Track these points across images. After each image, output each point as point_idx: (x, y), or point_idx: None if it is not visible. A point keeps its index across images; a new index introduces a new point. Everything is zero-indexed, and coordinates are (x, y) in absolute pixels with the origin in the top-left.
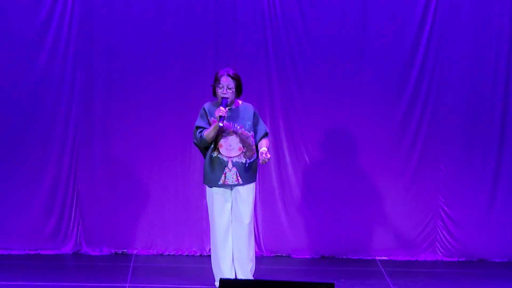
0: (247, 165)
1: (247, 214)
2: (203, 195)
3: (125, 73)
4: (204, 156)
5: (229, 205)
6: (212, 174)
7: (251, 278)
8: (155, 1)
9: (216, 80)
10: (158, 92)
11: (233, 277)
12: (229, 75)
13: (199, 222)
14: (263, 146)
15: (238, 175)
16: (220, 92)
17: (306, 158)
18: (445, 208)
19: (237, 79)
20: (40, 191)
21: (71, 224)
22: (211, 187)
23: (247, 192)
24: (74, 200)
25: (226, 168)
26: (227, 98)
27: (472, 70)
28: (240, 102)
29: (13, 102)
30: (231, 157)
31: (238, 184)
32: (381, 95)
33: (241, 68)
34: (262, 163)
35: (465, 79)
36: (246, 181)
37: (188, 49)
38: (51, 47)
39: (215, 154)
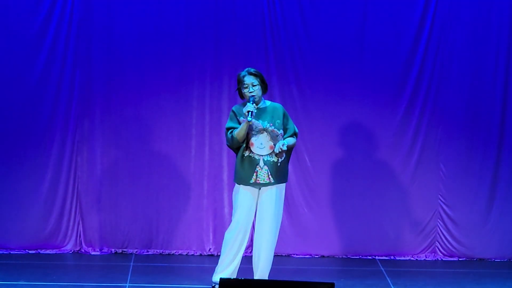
0: (279, 164)
1: (275, 215)
2: (203, 195)
3: (125, 72)
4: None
5: (254, 204)
6: (244, 172)
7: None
8: (155, 1)
9: (240, 82)
10: (158, 92)
11: (233, 276)
12: (250, 73)
13: (199, 222)
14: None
15: (269, 174)
16: (246, 92)
17: (306, 158)
18: (445, 208)
19: (259, 75)
20: (40, 191)
21: (71, 224)
22: (243, 185)
23: (276, 192)
24: (74, 200)
25: (257, 166)
26: (254, 95)
27: (472, 69)
28: (268, 102)
29: (13, 101)
30: (262, 156)
31: (270, 183)
32: (381, 95)
33: (241, 68)
34: (276, 150)
35: (465, 79)
36: (277, 181)
37: (188, 48)
38: (51, 46)
39: (246, 153)
